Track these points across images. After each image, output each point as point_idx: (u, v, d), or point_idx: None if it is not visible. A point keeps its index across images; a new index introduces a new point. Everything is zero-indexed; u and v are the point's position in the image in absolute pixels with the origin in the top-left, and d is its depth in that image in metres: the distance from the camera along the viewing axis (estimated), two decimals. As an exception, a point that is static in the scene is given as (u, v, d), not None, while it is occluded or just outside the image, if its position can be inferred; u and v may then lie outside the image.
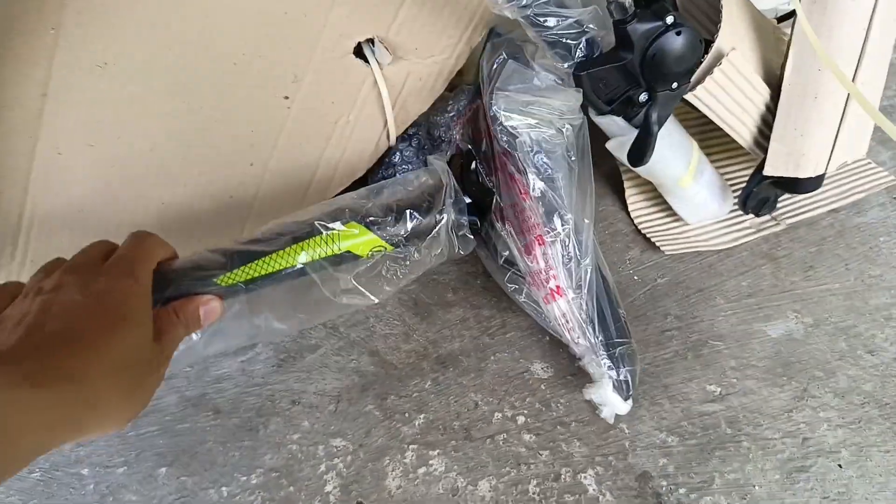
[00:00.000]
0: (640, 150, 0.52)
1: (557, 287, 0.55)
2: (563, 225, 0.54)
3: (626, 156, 0.54)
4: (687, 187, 0.60)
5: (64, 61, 0.47)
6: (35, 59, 0.46)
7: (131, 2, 0.46)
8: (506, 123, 0.53)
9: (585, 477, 0.52)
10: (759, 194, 0.61)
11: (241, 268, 0.58)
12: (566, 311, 0.55)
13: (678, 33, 0.46)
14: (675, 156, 0.58)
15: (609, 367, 0.54)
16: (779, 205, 0.65)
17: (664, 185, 0.62)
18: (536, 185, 0.54)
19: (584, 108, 0.53)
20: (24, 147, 0.50)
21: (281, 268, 0.58)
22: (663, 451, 0.53)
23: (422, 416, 0.55)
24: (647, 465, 0.52)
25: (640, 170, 0.59)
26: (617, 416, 0.54)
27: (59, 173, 0.52)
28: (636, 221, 0.66)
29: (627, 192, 0.67)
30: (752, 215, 0.64)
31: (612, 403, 0.53)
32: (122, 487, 0.52)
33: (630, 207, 0.67)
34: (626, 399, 0.54)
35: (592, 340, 0.54)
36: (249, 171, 0.59)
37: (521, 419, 0.55)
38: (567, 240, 0.54)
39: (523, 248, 0.57)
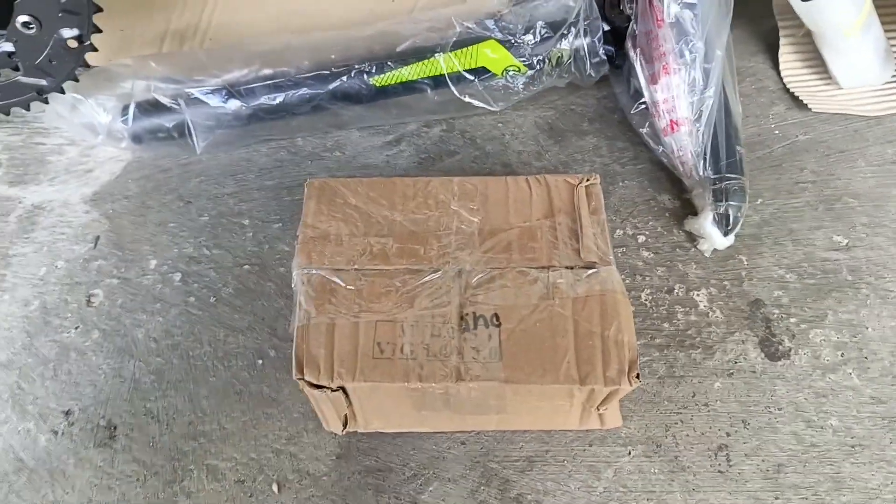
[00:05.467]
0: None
1: (676, 118, 0.56)
2: (691, 53, 0.55)
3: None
4: (851, 38, 0.58)
5: None
6: None
7: None
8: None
9: (698, 294, 0.54)
10: (927, 61, 0.59)
11: (393, 72, 0.63)
12: (682, 142, 0.56)
13: None
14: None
15: (712, 199, 0.55)
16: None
17: (826, 36, 0.60)
18: (672, 9, 0.54)
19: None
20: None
21: (426, 75, 0.63)
22: (780, 284, 0.54)
23: (548, 221, 0.59)
24: (762, 294, 0.54)
25: (809, 7, 0.58)
26: (736, 249, 0.56)
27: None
28: (785, 78, 0.65)
29: (782, 49, 0.65)
30: (912, 85, 0.62)
31: (710, 236, 0.55)
32: (277, 239, 0.59)
33: (781, 64, 0.65)
34: (725, 234, 0.54)
35: (702, 172, 0.56)
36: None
37: (641, 238, 0.58)
38: (693, 69, 0.55)
39: (650, 77, 0.58)
